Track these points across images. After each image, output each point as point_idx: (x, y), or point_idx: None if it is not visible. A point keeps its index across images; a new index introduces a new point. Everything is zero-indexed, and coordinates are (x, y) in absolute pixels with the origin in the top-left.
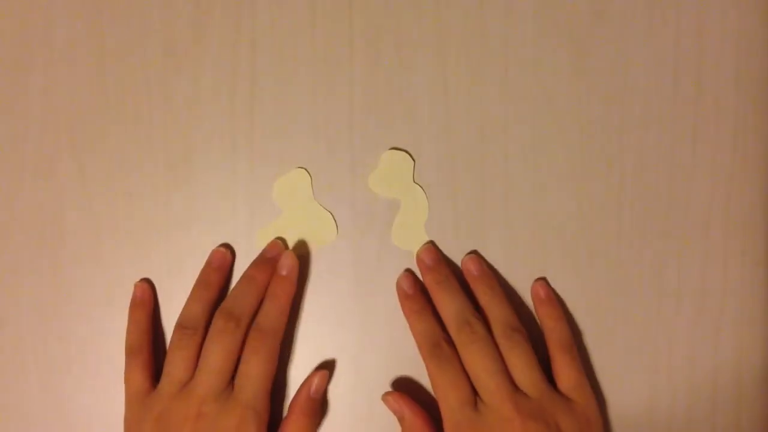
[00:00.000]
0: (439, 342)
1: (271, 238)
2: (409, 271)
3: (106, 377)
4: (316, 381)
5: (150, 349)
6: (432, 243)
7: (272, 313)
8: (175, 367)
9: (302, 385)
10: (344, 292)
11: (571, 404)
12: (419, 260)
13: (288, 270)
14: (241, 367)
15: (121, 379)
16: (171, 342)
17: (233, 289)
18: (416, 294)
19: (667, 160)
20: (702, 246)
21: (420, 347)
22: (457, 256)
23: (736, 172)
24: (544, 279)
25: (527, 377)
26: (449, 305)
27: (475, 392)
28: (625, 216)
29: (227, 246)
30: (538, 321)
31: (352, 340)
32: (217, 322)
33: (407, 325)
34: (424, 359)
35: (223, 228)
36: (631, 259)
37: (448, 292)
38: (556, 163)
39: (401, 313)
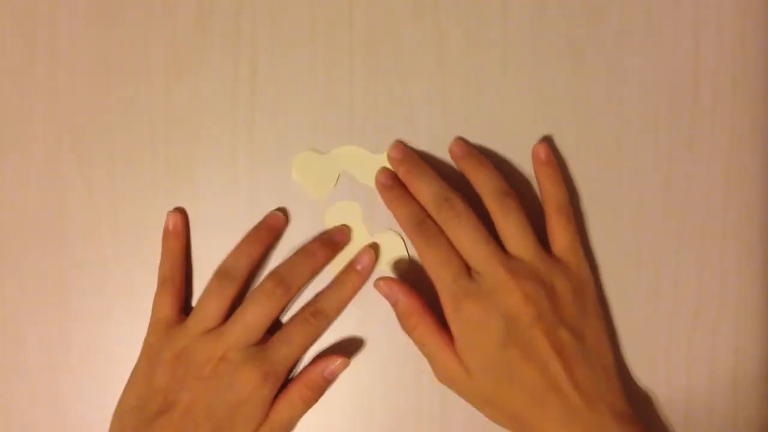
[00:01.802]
0: (423, 220)
1: (338, 219)
2: (385, 167)
3: (108, 379)
4: (334, 365)
5: (182, 281)
6: (400, 141)
7: (334, 299)
8: (206, 310)
9: (320, 361)
10: None
11: (564, 266)
12: (389, 158)
13: (363, 267)
14: (285, 330)
15: (124, 379)
16: (208, 287)
17: (290, 257)
18: (395, 184)
19: (663, 163)
20: (699, 247)
21: (405, 230)
22: None
23: (733, 174)
24: (545, 141)
25: (519, 241)
26: (425, 189)
27: (466, 265)
28: (622, 218)
29: (284, 211)
30: (536, 184)
31: (353, 342)
32: (267, 284)
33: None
34: (411, 240)
35: (224, 231)
36: (627, 261)
37: (422, 177)
38: None
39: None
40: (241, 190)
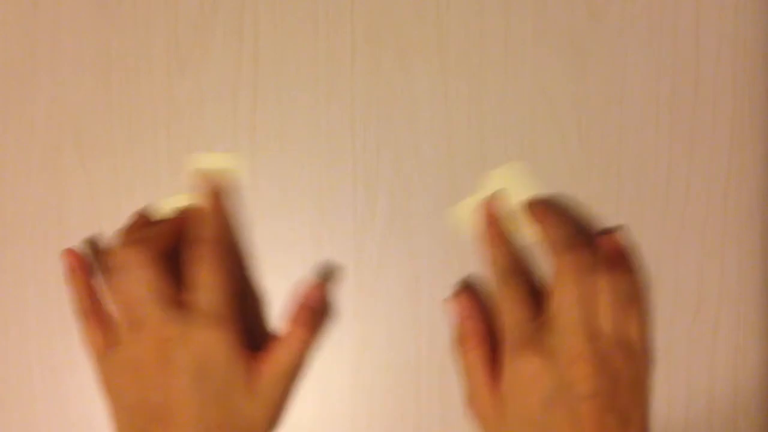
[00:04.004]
0: (513, 269)
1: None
2: (493, 201)
3: None
4: (311, 288)
5: (102, 309)
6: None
7: (209, 224)
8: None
9: (294, 297)
10: (345, 295)
11: (635, 353)
12: (530, 205)
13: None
14: (191, 279)
15: None
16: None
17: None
18: (499, 222)
19: (664, 163)
20: (699, 244)
21: (493, 271)
22: (456, 262)
23: (733, 175)
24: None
25: (612, 321)
26: (563, 228)
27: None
28: (622, 218)
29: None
30: None
31: (352, 340)
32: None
33: (407, 327)
34: (492, 279)
35: None
36: None
37: (561, 216)
38: (555, 165)
39: (402, 315)
40: (242, 185)
